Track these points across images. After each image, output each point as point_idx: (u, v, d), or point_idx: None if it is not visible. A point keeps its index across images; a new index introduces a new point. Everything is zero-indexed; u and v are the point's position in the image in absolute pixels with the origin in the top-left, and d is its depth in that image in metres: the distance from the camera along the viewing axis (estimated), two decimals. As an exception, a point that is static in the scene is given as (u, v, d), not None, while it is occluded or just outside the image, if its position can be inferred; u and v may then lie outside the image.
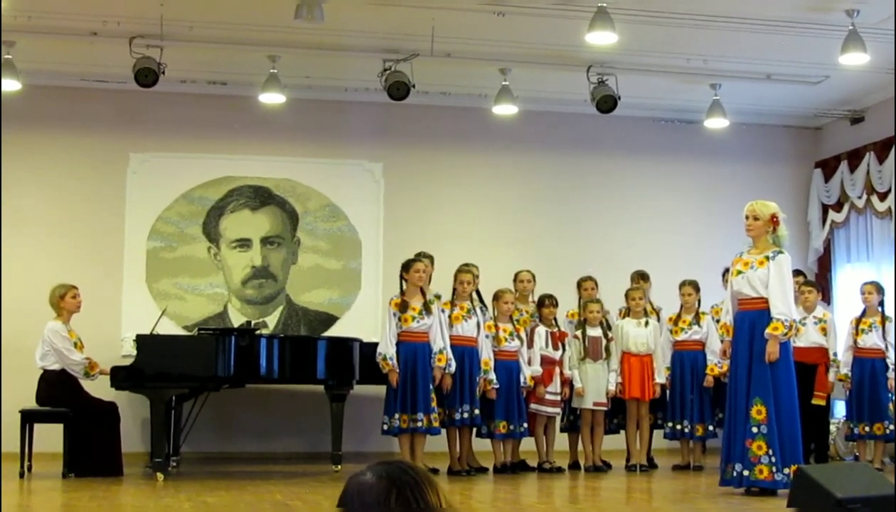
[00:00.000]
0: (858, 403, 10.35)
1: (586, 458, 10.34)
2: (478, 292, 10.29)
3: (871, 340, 10.31)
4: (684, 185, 13.14)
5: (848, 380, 10.38)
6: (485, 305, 10.24)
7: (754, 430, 7.88)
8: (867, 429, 10.29)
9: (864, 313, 10.47)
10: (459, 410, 9.66)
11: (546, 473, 10.08)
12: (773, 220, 8.16)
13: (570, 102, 12.10)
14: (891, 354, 10.29)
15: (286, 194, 12.21)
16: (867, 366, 10.32)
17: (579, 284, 10.73)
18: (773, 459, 7.82)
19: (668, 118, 13.08)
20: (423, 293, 9.70)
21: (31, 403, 9.57)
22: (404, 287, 9.71)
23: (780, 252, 8.13)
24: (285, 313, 12.08)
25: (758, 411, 7.89)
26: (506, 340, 9.96)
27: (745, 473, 7.90)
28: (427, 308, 9.60)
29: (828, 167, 13.18)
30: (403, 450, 9.59)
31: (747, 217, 8.20)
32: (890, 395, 10.29)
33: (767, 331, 7.94)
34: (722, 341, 8.70)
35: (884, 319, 10.37)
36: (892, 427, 10.26)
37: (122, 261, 11.78)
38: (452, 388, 9.63)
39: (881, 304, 10.42)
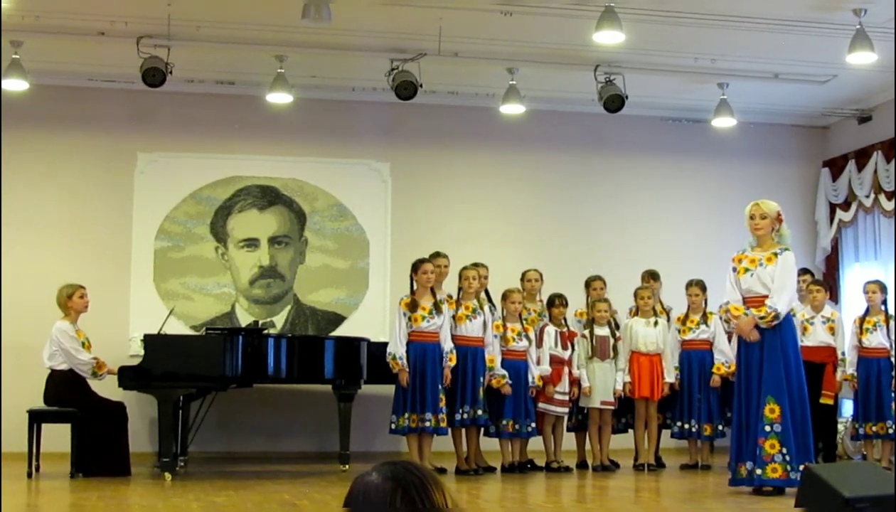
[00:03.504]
0: (865, 402, 10.34)
1: (594, 457, 10.34)
2: (486, 292, 10.30)
3: (875, 339, 10.30)
4: (692, 185, 13.13)
5: (854, 379, 10.36)
6: (493, 305, 10.24)
7: (767, 428, 7.85)
8: (873, 428, 10.28)
9: (867, 312, 10.46)
10: (459, 411, 9.65)
11: (554, 472, 10.08)
12: (779, 219, 8.18)
13: (578, 102, 12.10)
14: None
15: (294, 194, 12.22)
16: (873, 365, 10.31)
17: (588, 284, 10.73)
18: (788, 458, 7.79)
19: (675, 117, 13.07)
20: (434, 293, 9.70)
21: (39, 403, 9.59)
22: (414, 287, 9.71)
23: (787, 249, 8.14)
24: (293, 313, 12.09)
25: (771, 410, 7.86)
26: (514, 339, 9.96)
27: (758, 471, 7.87)
28: (437, 308, 9.60)
29: (835, 166, 13.17)
30: (411, 449, 9.59)
31: (754, 216, 8.17)
32: (893, 394, 10.28)
33: (752, 310, 7.96)
34: (730, 325, 8.55)
35: (887, 317, 10.36)
36: (894, 427, 10.24)
37: (130, 260, 11.80)
38: (455, 388, 9.62)
39: (884, 302, 10.41)
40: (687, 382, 10.42)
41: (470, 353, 9.73)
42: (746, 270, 8.17)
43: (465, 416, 9.67)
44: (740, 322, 8.04)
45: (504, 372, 9.83)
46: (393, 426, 9.56)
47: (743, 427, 8.05)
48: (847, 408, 11.21)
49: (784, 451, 7.81)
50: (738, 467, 8.05)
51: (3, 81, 10.31)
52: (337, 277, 12.23)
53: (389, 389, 9.83)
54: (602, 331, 10.34)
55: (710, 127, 12.58)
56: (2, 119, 10.59)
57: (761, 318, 7.94)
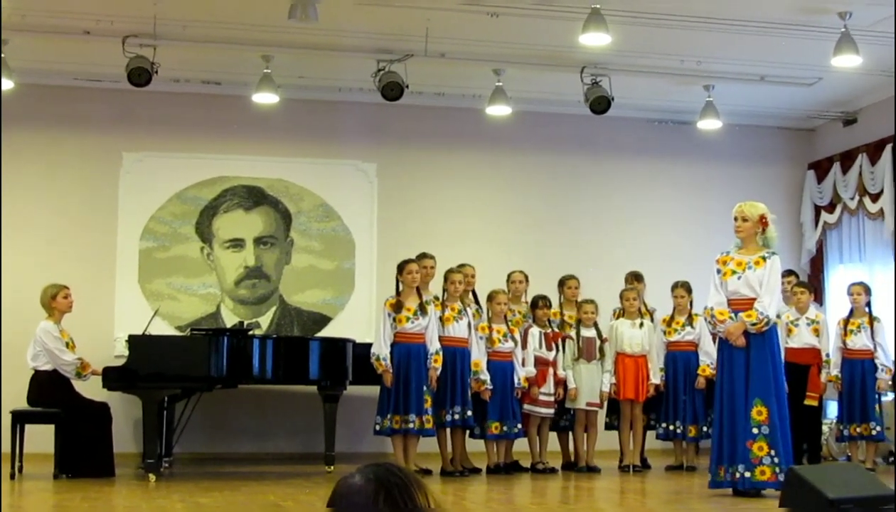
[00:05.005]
0: (849, 404, 10.38)
1: (579, 458, 10.34)
2: (474, 293, 10.30)
3: (860, 341, 10.33)
4: (678, 186, 13.15)
5: (839, 381, 10.39)
6: (480, 307, 10.23)
7: (755, 430, 7.83)
8: (858, 430, 10.31)
9: (851, 314, 10.49)
10: (450, 412, 9.65)
11: (539, 473, 10.09)
12: (762, 221, 8.14)
13: (564, 103, 12.11)
14: (879, 354, 10.32)
15: (279, 194, 12.21)
16: (857, 367, 10.35)
17: (562, 283, 10.72)
18: (777, 460, 7.78)
19: (661, 119, 13.09)
20: (419, 294, 9.69)
21: (23, 404, 9.54)
22: (400, 288, 9.70)
23: (774, 253, 8.14)
24: (278, 314, 12.08)
25: (758, 412, 7.84)
26: (499, 340, 9.96)
27: (747, 474, 7.85)
28: (422, 309, 9.59)
29: (820, 168, 13.21)
30: (396, 451, 9.59)
31: (736, 218, 8.18)
32: (877, 395, 10.33)
33: (742, 315, 7.95)
34: (715, 328, 8.41)
35: (872, 319, 10.39)
36: (879, 428, 10.29)
37: (115, 261, 11.77)
38: (443, 389, 9.62)
39: (868, 304, 10.44)
40: (672, 383, 10.44)
41: (458, 353, 9.73)
42: (733, 272, 8.12)
43: (456, 416, 9.67)
44: (730, 327, 8.01)
45: (486, 377, 9.82)
46: (377, 427, 9.55)
47: (725, 430, 8.02)
48: (832, 409, 11.24)
49: (773, 453, 7.80)
50: (718, 470, 8.05)
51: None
52: (323, 278, 12.22)
53: (375, 390, 9.83)
54: (588, 332, 10.35)
55: (695, 129, 12.61)
56: (1, 121, 10.54)
57: (753, 324, 7.93)
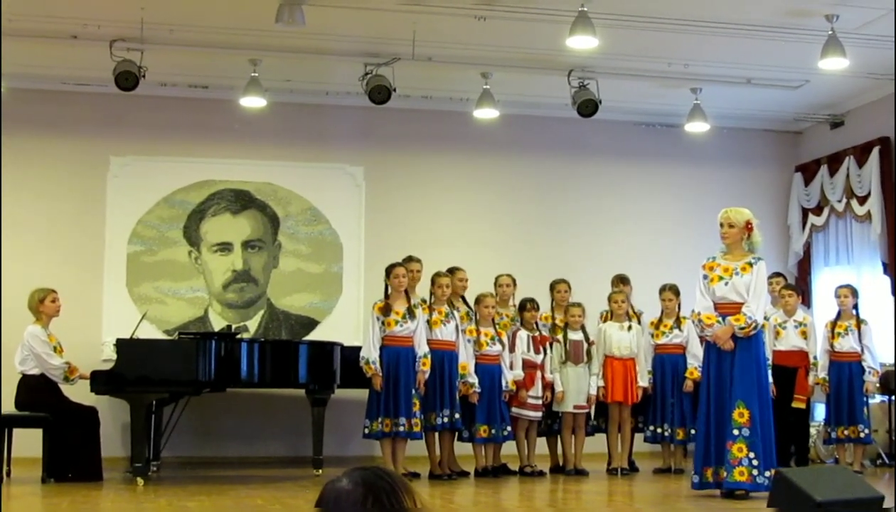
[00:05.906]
0: (836, 406, 10.40)
1: (567, 461, 10.35)
2: (463, 297, 10.30)
3: (847, 343, 10.36)
4: (665, 189, 13.17)
5: (826, 383, 10.41)
6: (471, 309, 10.23)
7: (735, 432, 7.88)
8: (845, 432, 10.34)
9: (838, 317, 10.52)
10: (439, 415, 9.65)
11: (527, 476, 10.09)
12: (748, 227, 8.19)
13: (552, 106, 12.12)
14: (867, 357, 10.34)
15: (267, 198, 12.20)
16: (844, 369, 10.37)
17: (552, 287, 10.74)
18: (756, 463, 7.82)
19: (649, 122, 13.11)
20: (408, 297, 9.69)
21: (11, 408, 9.52)
22: (388, 291, 9.70)
23: (760, 258, 8.19)
24: (266, 317, 12.06)
25: (740, 414, 7.89)
26: (487, 344, 9.96)
27: (724, 474, 7.90)
28: (411, 312, 9.59)
29: (808, 171, 13.24)
30: (385, 454, 9.59)
31: (722, 225, 8.23)
32: (865, 398, 10.36)
33: (730, 319, 7.99)
34: (703, 331, 8.44)
35: (859, 322, 10.41)
36: (866, 431, 10.31)
37: (103, 265, 11.74)
38: (432, 392, 9.62)
39: (856, 307, 10.47)
40: (660, 386, 10.44)
41: (446, 357, 9.73)
42: (720, 277, 8.17)
43: (445, 420, 9.67)
44: (718, 331, 8.04)
45: (474, 380, 9.82)
46: (366, 431, 9.54)
47: (711, 432, 8.07)
48: (819, 412, 11.27)
49: (751, 455, 7.84)
50: (704, 471, 8.08)
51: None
52: (310, 282, 12.21)
53: (363, 394, 9.82)
54: (576, 335, 10.36)
55: (683, 132, 12.63)
56: (1, 122, 10.51)
57: (741, 328, 7.97)
